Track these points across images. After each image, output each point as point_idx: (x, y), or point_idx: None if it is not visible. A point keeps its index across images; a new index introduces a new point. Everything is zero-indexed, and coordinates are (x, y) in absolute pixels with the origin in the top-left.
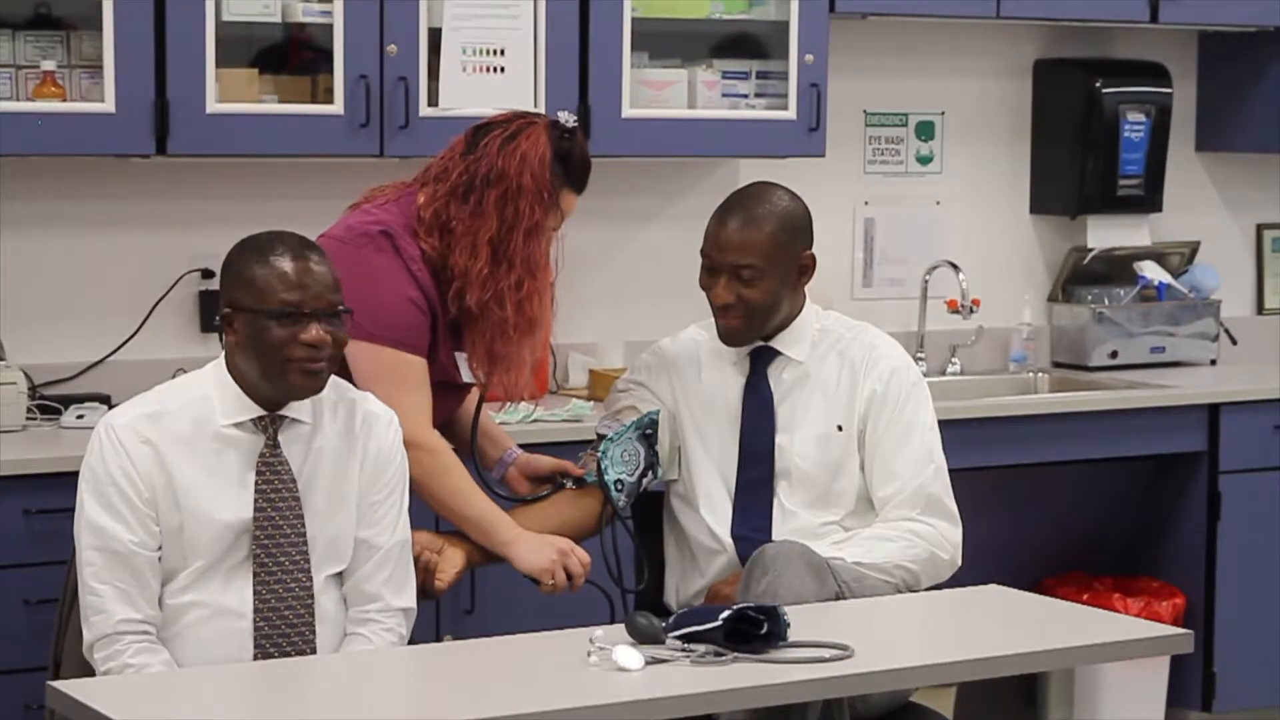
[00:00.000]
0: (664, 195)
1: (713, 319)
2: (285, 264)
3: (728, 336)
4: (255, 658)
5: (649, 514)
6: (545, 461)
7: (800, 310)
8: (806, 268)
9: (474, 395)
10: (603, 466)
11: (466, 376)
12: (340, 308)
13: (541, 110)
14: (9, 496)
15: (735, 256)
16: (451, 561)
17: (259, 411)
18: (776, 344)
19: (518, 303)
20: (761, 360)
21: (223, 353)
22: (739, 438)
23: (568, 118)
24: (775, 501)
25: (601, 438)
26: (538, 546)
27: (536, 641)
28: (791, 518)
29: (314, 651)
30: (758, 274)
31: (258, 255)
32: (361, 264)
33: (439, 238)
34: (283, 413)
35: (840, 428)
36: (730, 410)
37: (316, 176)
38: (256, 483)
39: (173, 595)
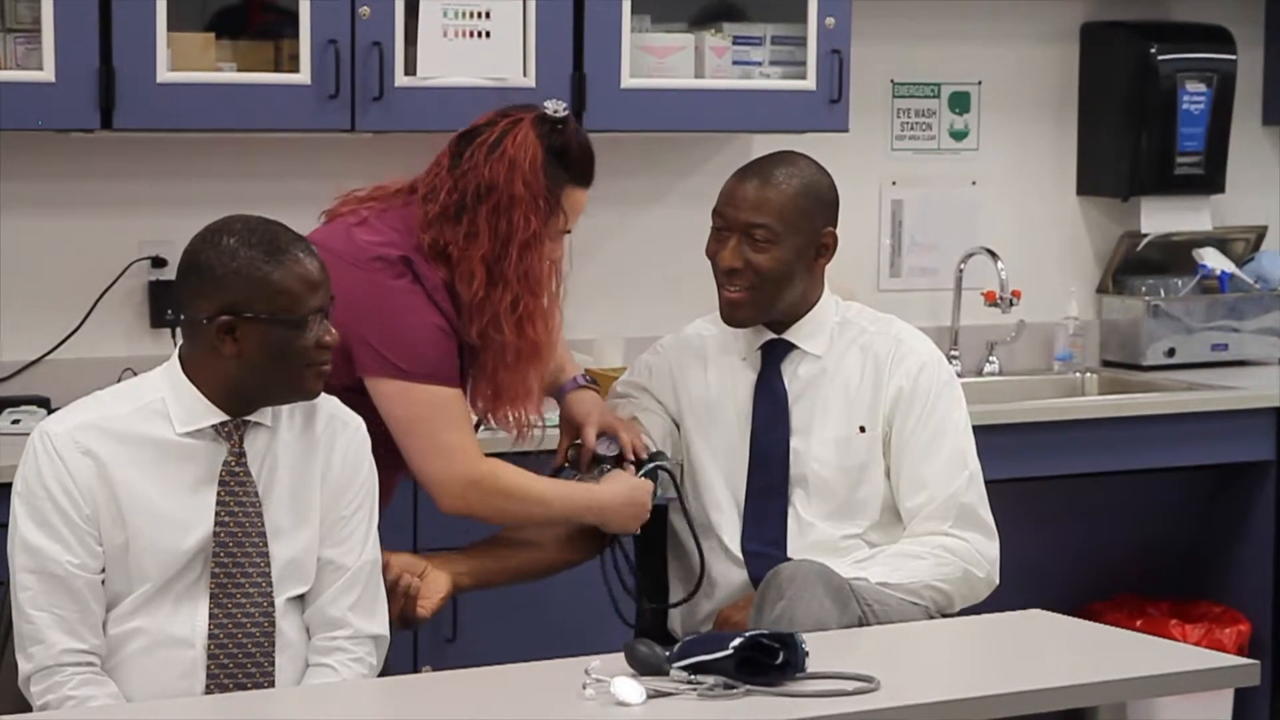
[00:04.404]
0: (668, 175)
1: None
2: (300, 266)
3: (730, 310)
4: (208, 689)
5: (650, 529)
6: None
7: (818, 299)
8: (826, 247)
9: None
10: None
11: None
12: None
13: (531, 79)
14: None
15: (749, 214)
16: (435, 586)
17: (221, 417)
18: (791, 336)
19: (516, 323)
20: (774, 355)
21: (175, 354)
22: (749, 441)
23: (557, 107)
24: (790, 512)
25: (599, 458)
26: (626, 517)
27: (526, 672)
28: (809, 530)
29: (272, 683)
30: (771, 238)
31: (265, 254)
32: (382, 292)
33: (443, 266)
34: (249, 417)
35: (862, 429)
36: (740, 410)
37: (280, 153)
38: (219, 495)
39: (115, 622)
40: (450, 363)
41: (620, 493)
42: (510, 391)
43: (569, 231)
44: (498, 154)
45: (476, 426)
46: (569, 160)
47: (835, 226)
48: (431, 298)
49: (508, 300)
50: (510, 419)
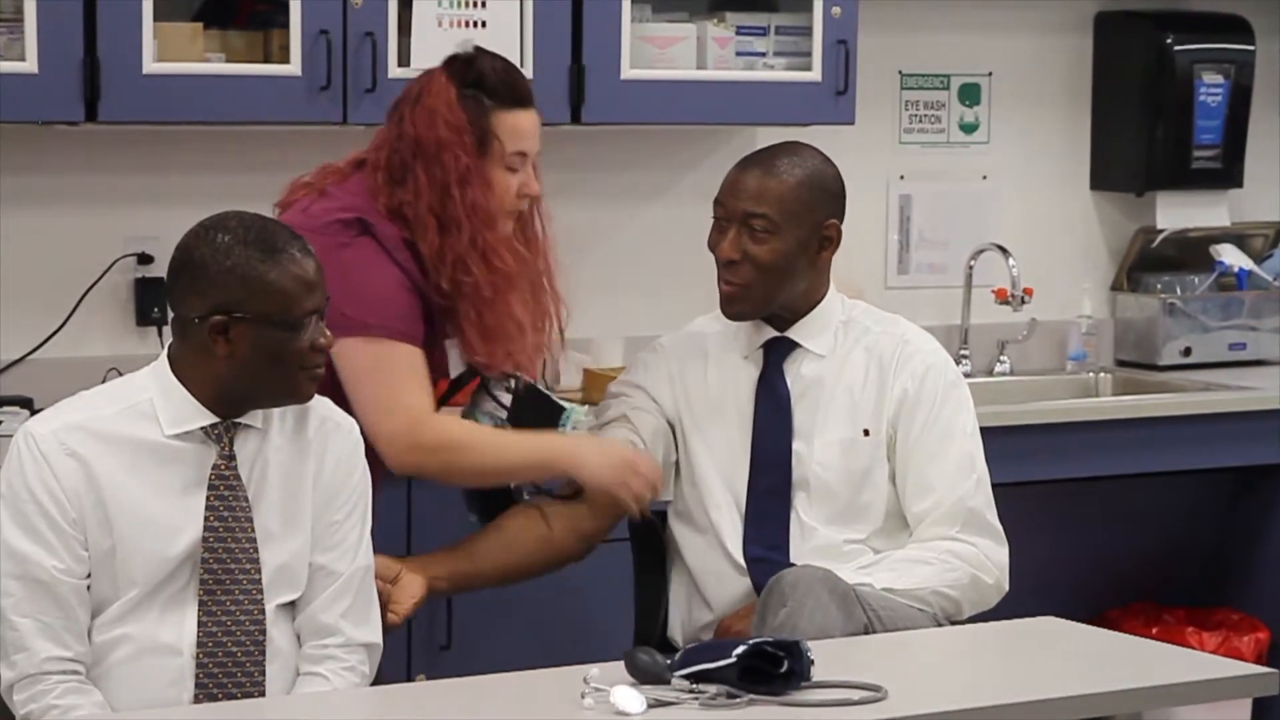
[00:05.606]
0: (669, 169)
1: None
2: (297, 266)
3: (728, 303)
4: (196, 698)
5: (645, 536)
6: None
7: (822, 297)
8: (830, 240)
9: None
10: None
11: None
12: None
13: (529, 71)
14: None
15: (749, 204)
16: (409, 590)
17: (211, 419)
18: (794, 334)
19: (482, 258)
20: (777, 353)
21: (164, 353)
22: (750, 442)
23: (463, 45)
24: (792, 516)
25: (505, 374)
26: (604, 467)
27: (523, 681)
28: (811, 535)
29: (263, 693)
30: (771, 228)
31: (261, 253)
32: (342, 253)
33: (404, 226)
34: (239, 419)
35: (867, 432)
36: (740, 411)
37: (270, 146)
38: (209, 499)
39: (101, 630)
40: (413, 321)
41: (587, 439)
42: (500, 329)
43: (524, 155)
44: (419, 107)
45: (481, 385)
46: (486, 88)
47: (840, 219)
48: (392, 256)
49: (465, 240)
50: (511, 358)
